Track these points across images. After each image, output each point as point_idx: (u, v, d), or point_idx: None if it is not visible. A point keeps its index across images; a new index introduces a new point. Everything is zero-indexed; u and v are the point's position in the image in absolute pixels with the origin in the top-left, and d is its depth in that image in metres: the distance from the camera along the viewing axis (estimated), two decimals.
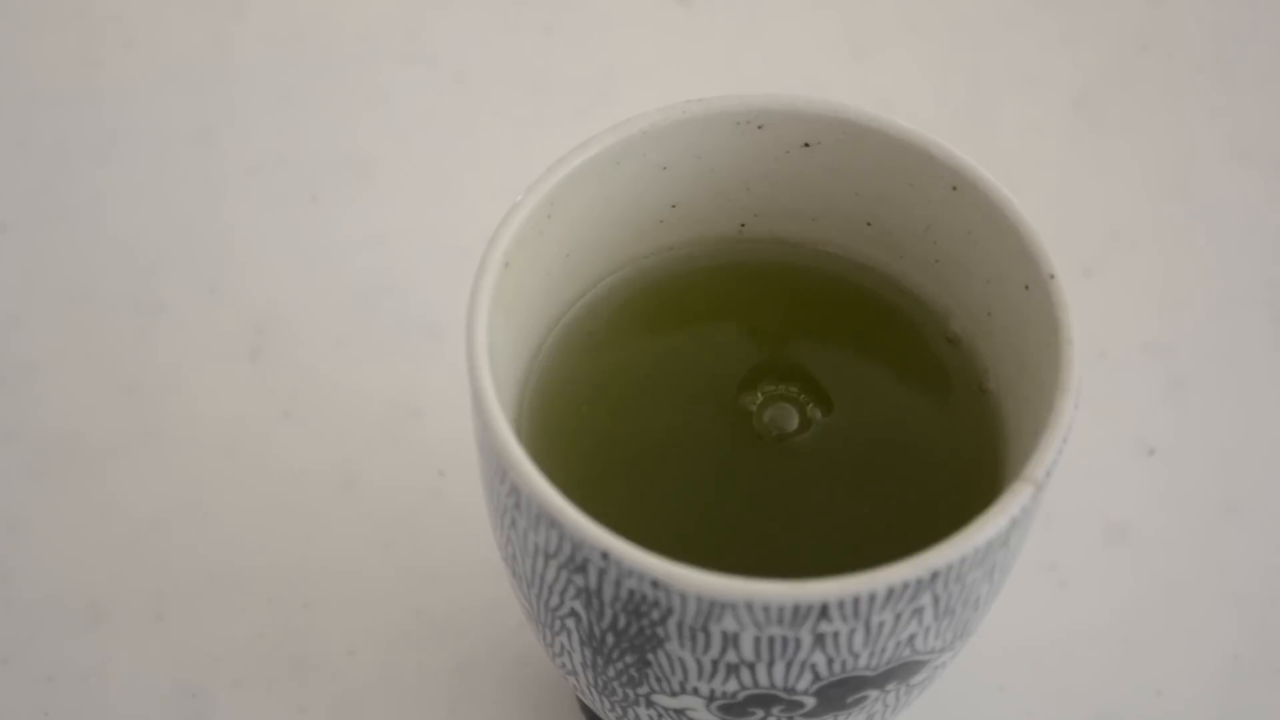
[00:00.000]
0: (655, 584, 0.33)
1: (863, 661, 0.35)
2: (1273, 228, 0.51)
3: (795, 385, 0.39)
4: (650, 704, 0.36)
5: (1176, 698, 0.44)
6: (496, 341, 0.36)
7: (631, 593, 0.33)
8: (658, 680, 0.35)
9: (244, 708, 0.44)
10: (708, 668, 0.35)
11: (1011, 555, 0.36)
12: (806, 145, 0.39)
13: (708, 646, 0.34)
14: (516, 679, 0.44)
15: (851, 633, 0.34)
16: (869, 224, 0.40)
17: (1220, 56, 0.53)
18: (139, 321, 0.49)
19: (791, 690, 0.35)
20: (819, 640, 0.34)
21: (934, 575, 0.33)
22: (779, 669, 0.34)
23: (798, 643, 0.34)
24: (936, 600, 0.34)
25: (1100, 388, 0.48)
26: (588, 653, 0.36)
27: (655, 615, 0.34)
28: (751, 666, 0.34)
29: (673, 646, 0.34)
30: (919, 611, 0.34)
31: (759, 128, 0.39)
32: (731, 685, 0.35)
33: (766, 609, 0.33)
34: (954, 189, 0.38)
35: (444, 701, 0.44)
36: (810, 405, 0.39)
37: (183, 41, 0.54)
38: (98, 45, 0.54)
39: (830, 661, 0.34)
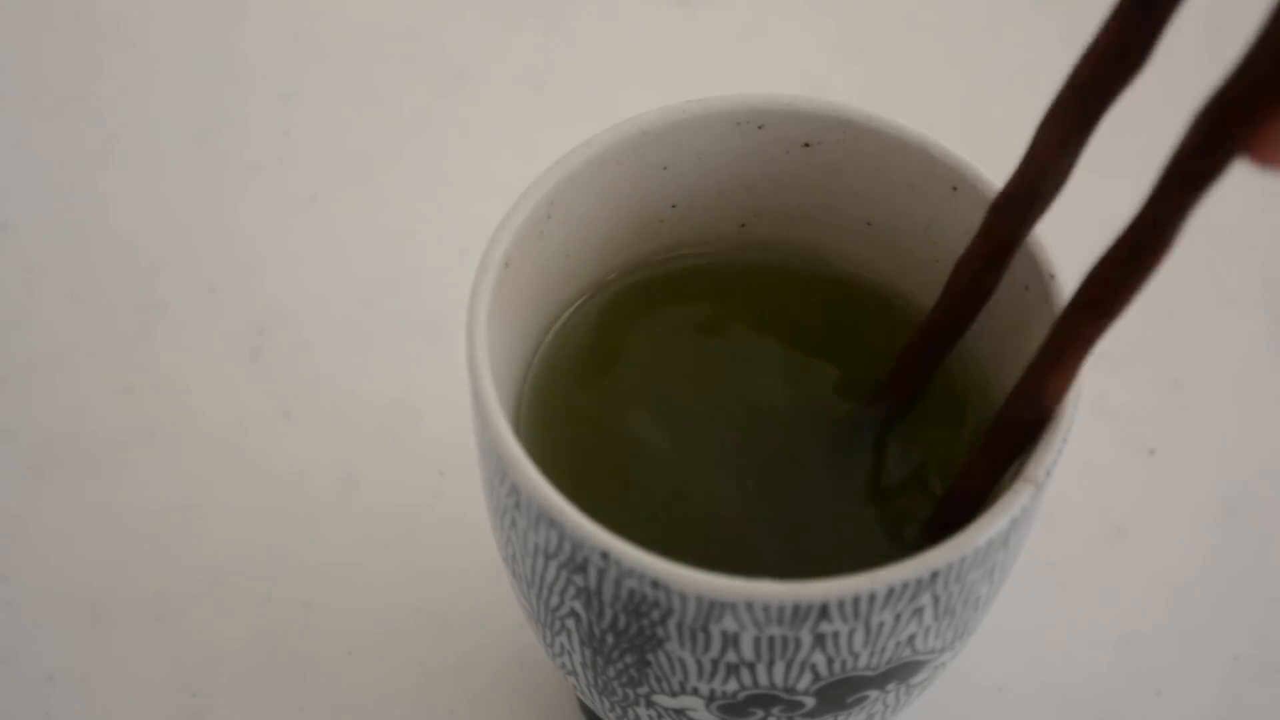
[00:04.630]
0: (655, 584, 0.33)
1: (863, 661, 0.35)
2: (1271, 228, 0.51)
3: (795, 385, 0.39)
4: (650, 704, 0.36)
5: (1176, 698, 0.44)
6: (496, 341, 0.36)
7: (631, 593, 0.33)
8: (658, 680, 0.35)
9: (244, 708, 0.44)
10: (708, 668, 0.35)
11: (1011, 555, 0.36)
12: (806, 145, 0.39)
13: (708, 646, 0.34)
14: (516, 679, 0.44)
15: (851, 633, 0.34)
16: (869, 224, 0.40)
17: (1220, 57, 0.53)
18: (139, 321, 0.49)
19: (791, 690, 0.35)
20: (819, 640, 0.34)
21: (934, 575, 0.33)
22: (779, 669, 0.34)
23: (798, 643, 0.34)
24: (936, 600, 0.34)
25: (1100, 388, 0.48)
26: (588, 653, 0.36)
27: (655, 615, 0.34)
28: (751, 666, 0.34)
29: (673, 646, 0.34)
30: (919, 611, 0.34)
31: (759, 128, 0.39)
32: (731, 685, 0.35)
33: (766, 609, 0.33)
34: (954, 189, 0.38)
35: (443, 701, 0.44)
36: (810, 405, 0.39)
37: (183, 41, 0.54)
38: (98, 45, 0.54)
39: (830, 661, 0.34)
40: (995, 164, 0.39)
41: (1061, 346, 0.34)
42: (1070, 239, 0.41)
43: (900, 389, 0.38)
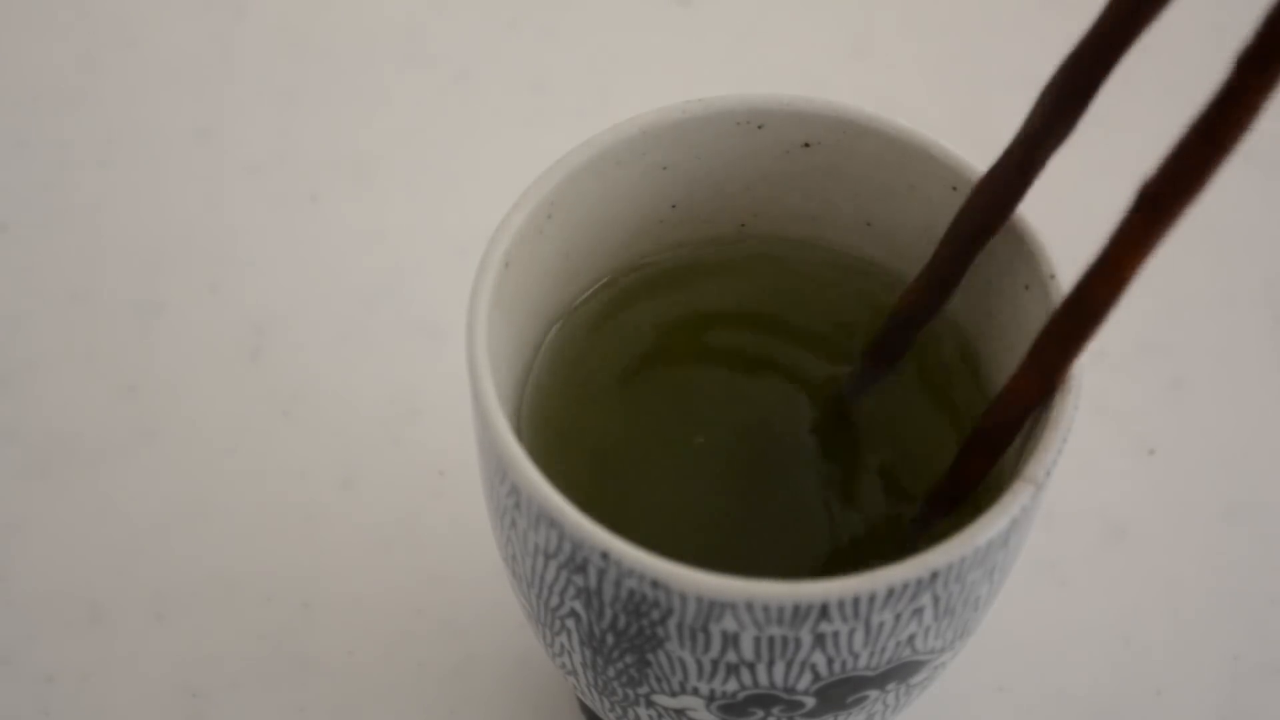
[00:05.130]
0: (655, 584, 0.33)
1: (863, 661, 0.35)
2: (1273, 228, 0.51)
3: (796, 385, 0.39)
4: (650, 704, 0.36)
5: (1176, 698, 0.44)
6: (496, 341, 0.36)
7: (631, 593, 0.33)
8: (658, 680, 0.35)
9: (244, 708, 0.44)
10: (708, 668, 0.35)
11: (1011, 555, 0.36)
12: (806, 145, 0.39)
13: (708, 646, 0.34)
14: (516, 679, 0.44)
15: (851, 633, 0.34)
16: (869, 224, 0.40)
17: (1220, 56, 0.53)
18: (139, 321, 0.49)
19: (791, 690, 0.35)
20: (819, 640, 0.34)
21: (934, 575, 0.33)
22: (779, 669, 0.34)
23: (798, 643, 0.34)
24: (936, 600, 0.34)
25: (1100, 388, 0.48)
26: (588, 653, 0.36)
27: (655, 615, 0.34)
28: (751, 666, 0.34)
29: (673, 646, 0.34)
30: (919, 611, 0.34)
31: (759, 128, 0.39)
32: (731, 685, 0.35)
33: (766, 609, 0.33)
34: (954, 189, 0.38)
35: (444, 702, 0.44)
36: (810, 405, 0.39)
37: (183, 41, 0.54)
38: (98, 45, 0.54)
39: (830, 661, 0.34)
40: None
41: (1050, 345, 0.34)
42: (1070, 239, 0.41)
43: (882, 355, 0.38)
